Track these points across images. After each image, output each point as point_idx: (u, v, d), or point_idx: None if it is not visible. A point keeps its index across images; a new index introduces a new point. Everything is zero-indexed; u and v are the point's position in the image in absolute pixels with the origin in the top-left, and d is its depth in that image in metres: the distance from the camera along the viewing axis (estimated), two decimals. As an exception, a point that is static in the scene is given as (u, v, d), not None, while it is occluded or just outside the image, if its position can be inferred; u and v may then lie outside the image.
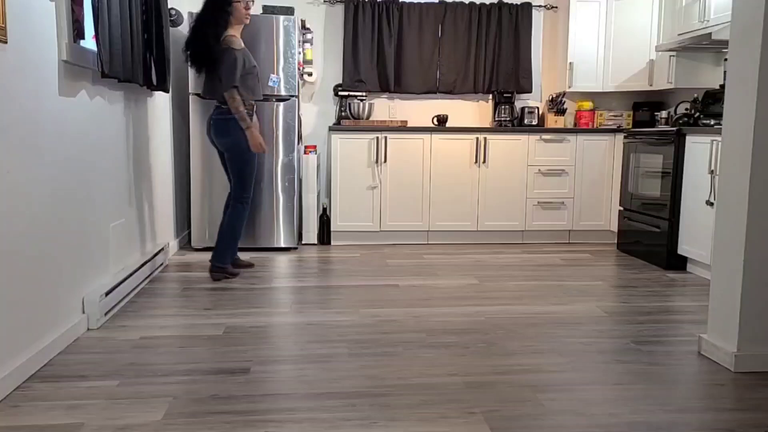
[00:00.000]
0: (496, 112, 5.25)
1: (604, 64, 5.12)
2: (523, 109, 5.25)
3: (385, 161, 4.86)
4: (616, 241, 4.92)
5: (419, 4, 5.16)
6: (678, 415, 2.02)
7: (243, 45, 3.61)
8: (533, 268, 4.17)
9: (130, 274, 3.28)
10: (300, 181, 4.85)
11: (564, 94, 5.23)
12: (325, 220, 4.95)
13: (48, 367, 2.35)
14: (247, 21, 3.66)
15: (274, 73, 4.46)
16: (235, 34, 3.59)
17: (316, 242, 4.92)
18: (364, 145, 4.84)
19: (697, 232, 3.89)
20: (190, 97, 4.48)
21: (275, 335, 2.77)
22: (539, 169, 4.99)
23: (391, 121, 5.00)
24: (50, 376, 2.27)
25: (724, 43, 4.00)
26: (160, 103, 4.17)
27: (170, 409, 2.02)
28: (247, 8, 3.62)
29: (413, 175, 4.90)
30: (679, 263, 4.15)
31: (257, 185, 4.56)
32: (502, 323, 2.96)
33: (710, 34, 4.04)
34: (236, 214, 3.71)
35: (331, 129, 4.85)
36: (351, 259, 4.41)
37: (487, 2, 5.23)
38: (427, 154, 4.90)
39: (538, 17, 5.39)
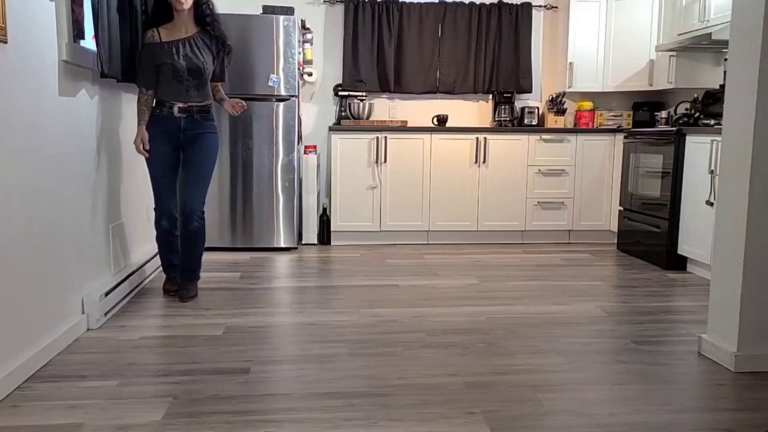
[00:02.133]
0: (496, 112, 5.25)
1: (604, 64, 5.12)
2: (523, 109, 5.25)
3: (385, 161, 4.86)
4: (616, 241, 4.92)
5: (419, 4, 5.16)
6: (678, 415, 2.02)
7: (157, 37, 3.09)
8: (533, 268, 4.17)
9: (130, 274, 3.28)
10: (300, 181, 4.85)
11: (564, 94, 5.23)
12: (325, 220, 4.95)
13: (48, 367, 2.35)
14: (178, 6, 3.06)
15: (274, 73, 4.46)
16: (161, 25, 3.13)
17: (316, 242, 4.91)
18: (364, 145, 4.84)
19: (697, 232, 3.89)
20: (190, 97, 4.48)
21: (275, 335, 2.77)
22: (539, 169, 4.99)
23: (391, 121, 5.00)
24: (50, 376, 2.27)
25: (724, 43, 3.99)
26: (160, 103, 4.16)
27: (170, 409, 2.02)
28: None
29: (413, 175, 4.90)
30: (679, 263, 4.15)
31: (258, 184, 4.56)
32: (502, 323, 2.96)
33: (710, 34, 4.04)
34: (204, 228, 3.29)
35: (331, 129, 4.85)
36: (351, 259, 4.41)
37: (487, 2, 5.23)
38: (427, 154, 4.90)
39: (538, 17, 5.39)
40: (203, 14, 3.15)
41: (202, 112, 3.22)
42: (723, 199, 2.50)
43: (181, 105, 3.15)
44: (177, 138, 3.19)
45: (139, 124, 3.13)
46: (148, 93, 3.15)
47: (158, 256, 3.48)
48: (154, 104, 3.18)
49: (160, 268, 3.94)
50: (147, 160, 3.18)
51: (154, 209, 3.27)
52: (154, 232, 3.35)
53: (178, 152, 3.24)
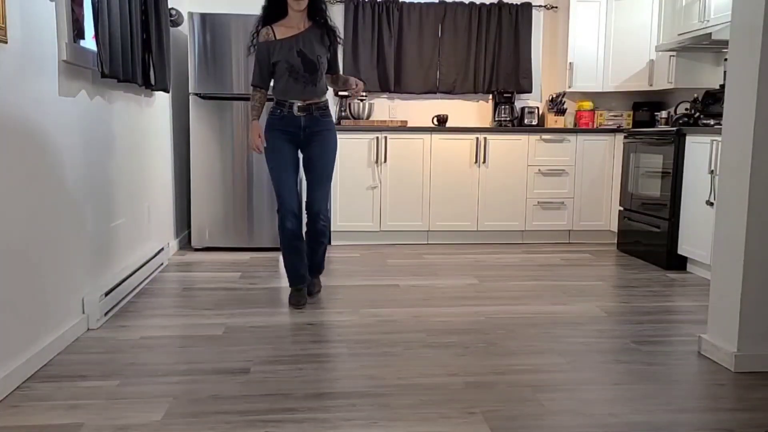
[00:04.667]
0: (496, 112, 5.25)
1: (604, 64, 5.12)
2: (523, 109, 5.25)
3: (385, 161, 4.86)
4: (616, 241, 4.92)
5: (419, 4, 5.16)
6: (678, 415, 2.02)
7: (271, 35, 3.09)
8: (533, 268, 4.17)
9: (130, 274, 3.28)
10: (300, 180, 4.84)
11: (564, 94, 5.23)
12: (325, 220, 4.95)
13: (48, 367, 2.35)
14: (296, 6, 3.05)
15: (274, 73, 4.46)
16: (276, 22, 3.12)
17: (316, 242, 4.91)
18: (364, 145, 4.84)
19: (697, 232, 3.89)
20: (190, 97, 4.48)
21: (275, 335, 2.77)
22: (539, 169, 4.99)
23: (391, 121, 5.00)
24: (50, 376, 2.27)
25: (724, 43, 4.00)
26: (160, 103, 4.17)
27: (170, 409, 2.02)
28: None
29: (413, 175, 4.90)
30: (679, 263, 4.15)
31: (258, 184, 4.56)
32: (502, 323, 2.96)
33: (710, 34, 4.04)
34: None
35: (331, 129, 4.85)
36: (351, 259, 4.41)
37: (487, 2, 5.23)
38: (427, 154, 4.90)
39: (538, 17, 5.39)
40: (319, 8, 3.12)
41: (320, 109, 3.19)
42: (723, 199, 2.50)
43: (299, 104, 3.13)
44: (297, 137, 3.17)
45: (252, 120, 3.17)
46: (261, 90, 3.19)
47: (283, 264, 3.29)
48: (273, 104, 3.18)
49: (161, 267, 3.94)
50: (268, 160, 3.15)
51: (277, 210, 3.17)
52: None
53: (297, 151, 3.23)
